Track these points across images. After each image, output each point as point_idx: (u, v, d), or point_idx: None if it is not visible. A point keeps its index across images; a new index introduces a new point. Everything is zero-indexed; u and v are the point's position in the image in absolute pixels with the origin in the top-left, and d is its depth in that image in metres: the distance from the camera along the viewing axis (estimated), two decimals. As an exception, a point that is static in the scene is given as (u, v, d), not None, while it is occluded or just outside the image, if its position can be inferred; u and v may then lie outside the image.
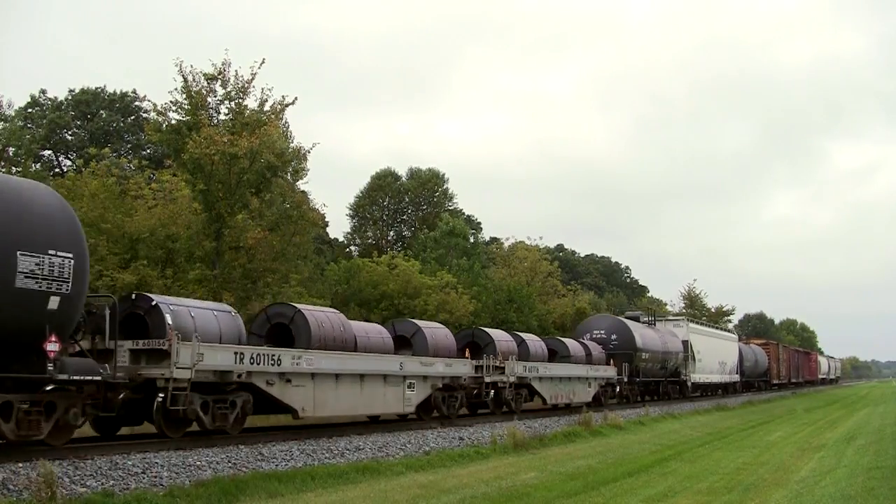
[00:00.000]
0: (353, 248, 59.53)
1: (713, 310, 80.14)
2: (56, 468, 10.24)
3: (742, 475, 14.85)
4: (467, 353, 22.60)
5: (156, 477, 11.37)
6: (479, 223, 66.74)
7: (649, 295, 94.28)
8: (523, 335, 27.50)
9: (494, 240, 64.29)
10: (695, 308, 76.31)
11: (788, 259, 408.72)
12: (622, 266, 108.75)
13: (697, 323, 48.76)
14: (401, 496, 11.49)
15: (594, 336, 34.05)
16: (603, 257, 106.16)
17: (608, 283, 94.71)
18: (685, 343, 40.80)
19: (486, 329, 25.51)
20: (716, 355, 46.89)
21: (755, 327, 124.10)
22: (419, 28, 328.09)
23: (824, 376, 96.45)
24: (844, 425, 28.52)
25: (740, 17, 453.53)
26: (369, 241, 60.73)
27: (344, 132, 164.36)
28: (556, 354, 28.74)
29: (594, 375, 30.15)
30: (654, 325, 40.17)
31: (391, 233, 63.45)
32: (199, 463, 12.51)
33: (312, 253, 36.05)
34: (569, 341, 30.51)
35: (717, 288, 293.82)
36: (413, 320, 22.93)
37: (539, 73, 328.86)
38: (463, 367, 21.79)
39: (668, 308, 72.34)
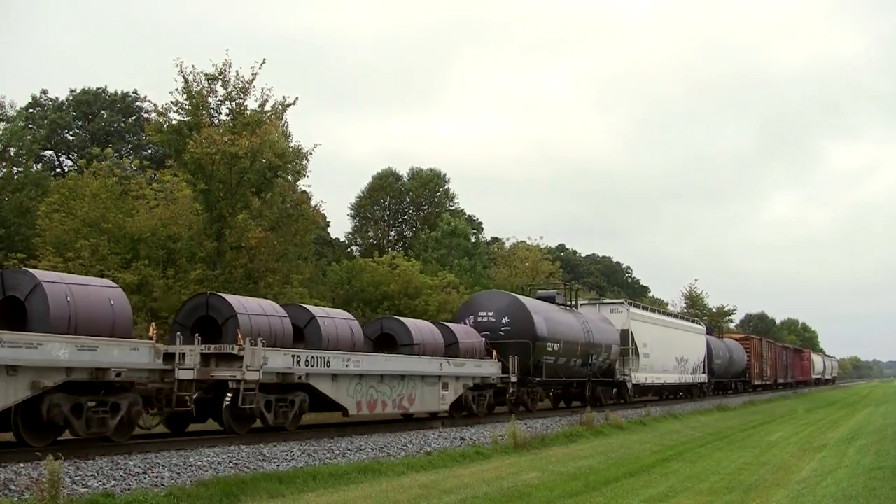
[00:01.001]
0: (354, 247, 59.57)
1: (714, 310, 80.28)
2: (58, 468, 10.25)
3: (743, 475, 14.85)
4: (152, 332, 14.15)
5: (157, 477, 11.38)
6: (481, 223, 66.81)
7: (650, 295, 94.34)
8: (318, 309, 18.63)
9: (496, 240, 64.33)
10: (696, 308, 76.32)
11: (788, 259, 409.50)
12: (623, 266, 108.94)
13: (644, 308, 39.08)
14: (402, 496, 11.48)
15: (479, 319, 24.91)
16: (604, 257, 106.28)
17: (609, 283, 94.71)
18: (624, 333, 31.85)
19: (227, 296, 16.21)
20: (672, 350, 37.72)
21: (756, 327, 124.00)
22: (418, 29, 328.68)
23: (819, 376, 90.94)
24: (846, 425, 28.48)
25: (738, 18, 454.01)
26: (370, 241, 60.75)
27: (342, 132, 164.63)
28: (394, 342, 20.55)
29: (455, 373, 21.11)
30: (575, 307, 30.51)
31: (392, 233, 63.44)
32: (200, 463, 12.52)
33: (313, 255, 36.07)
34: (417, 324, 21.55)
35: (718, 288, 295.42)
36: (31, 270, 13.57)
37: (537, 74, 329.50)
38: (128, 355, 12.99)
39: (671, 308, 71.91)
